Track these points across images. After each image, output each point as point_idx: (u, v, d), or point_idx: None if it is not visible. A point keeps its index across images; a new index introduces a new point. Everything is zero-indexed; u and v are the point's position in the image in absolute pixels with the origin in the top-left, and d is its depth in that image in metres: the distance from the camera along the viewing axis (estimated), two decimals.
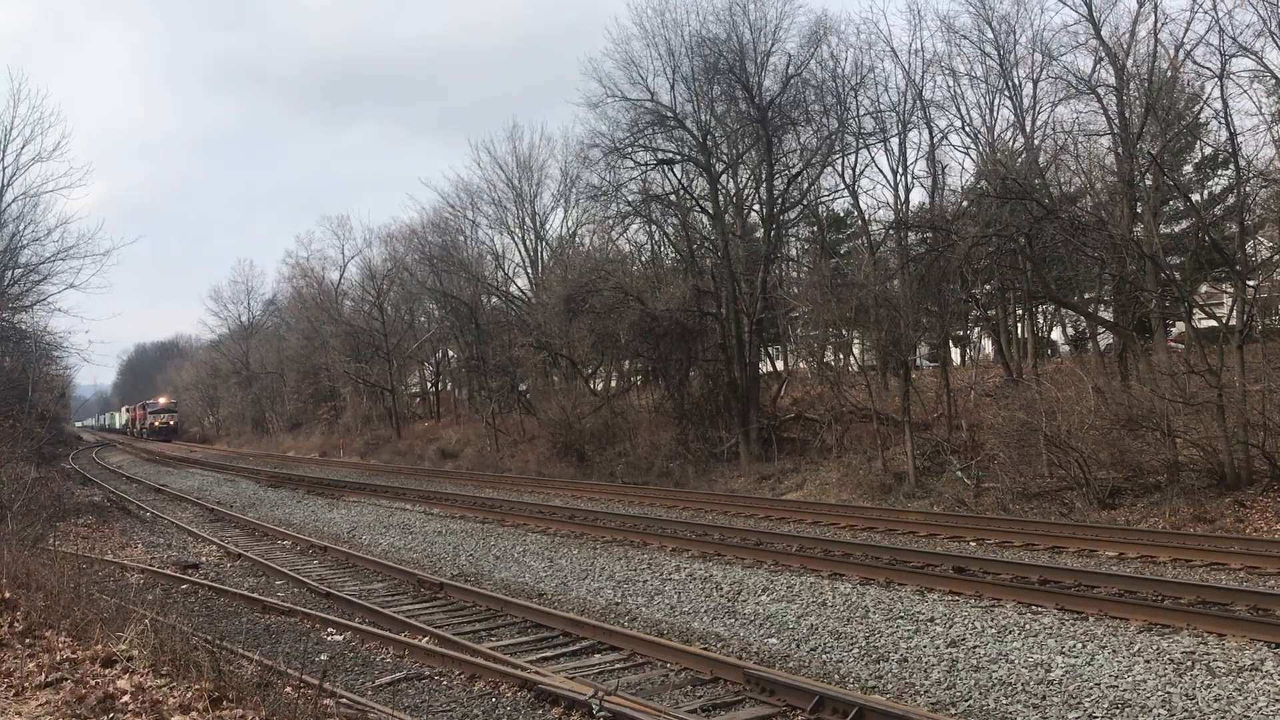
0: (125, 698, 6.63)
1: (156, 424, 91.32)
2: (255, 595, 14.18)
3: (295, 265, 71.83)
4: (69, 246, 28.49)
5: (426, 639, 11.06)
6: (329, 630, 11.98)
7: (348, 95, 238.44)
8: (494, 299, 50.50)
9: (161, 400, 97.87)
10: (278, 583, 15.66)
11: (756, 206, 34.55)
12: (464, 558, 16.99)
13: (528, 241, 50.39)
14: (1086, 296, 28.98)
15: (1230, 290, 23.22)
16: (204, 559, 18.46)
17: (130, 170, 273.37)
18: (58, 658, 7.56)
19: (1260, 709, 7.69)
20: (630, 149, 32.64)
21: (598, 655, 10.41)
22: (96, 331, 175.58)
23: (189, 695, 6.63)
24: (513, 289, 50.64)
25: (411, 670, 10.04)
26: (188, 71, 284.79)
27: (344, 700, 8.40)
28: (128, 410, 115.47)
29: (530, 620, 12.00)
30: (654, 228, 37.97)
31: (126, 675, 7.16)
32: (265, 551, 18.95)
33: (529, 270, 50.43)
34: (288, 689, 7.24)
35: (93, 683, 6.94)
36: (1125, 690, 8.28)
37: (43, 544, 14.93)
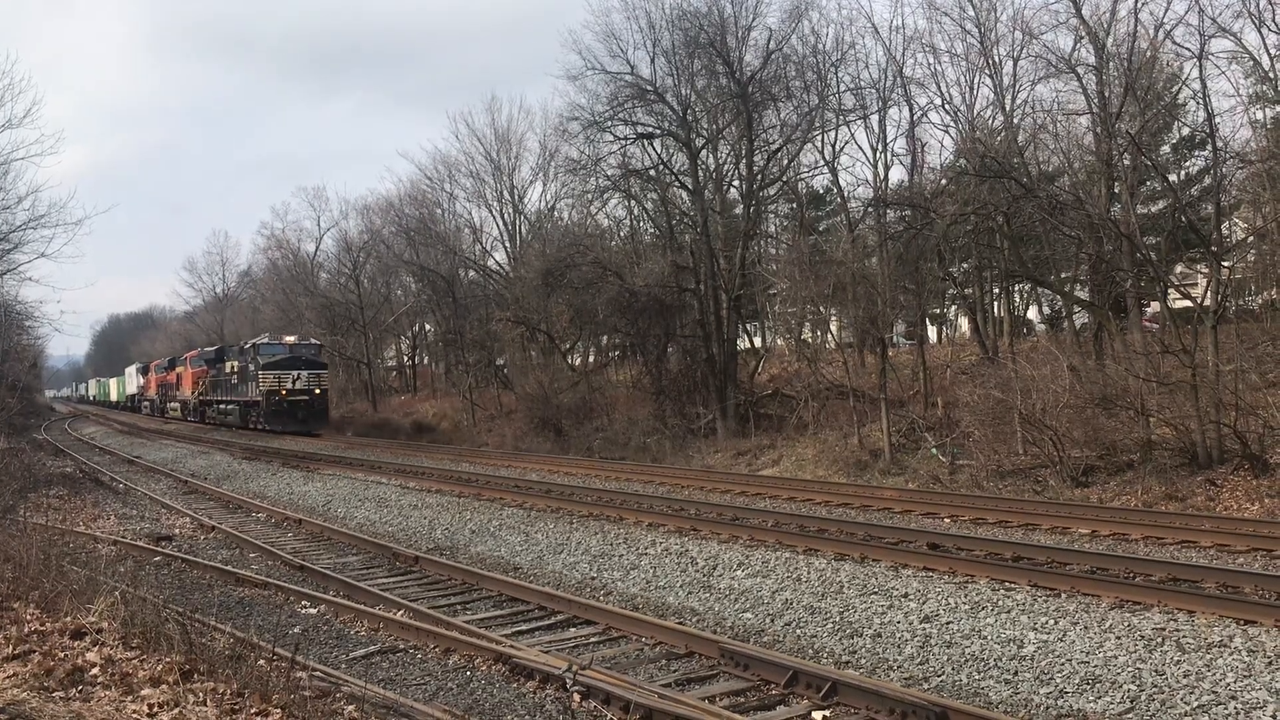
0: (94, 670, 6.57)
1: (284, 393, 41.86)
2: (229, 568, 14.08)
3: (271, 236, 70.97)
4: (40, 215, 27.87)
5: (401, 612, 11.03)
6: (303, 603, 11.91)
7: (333, 66, 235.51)
8: (471, 273, 50.28)
9: (288, 339, 45.89)
10: (251, 555, 15.56)
11: (736, 182, 34.50)
12: (440, 531, 16.94)
13: (506, 215, 50.18)
14: (1063, 275, 29.14)
15: (1205, 271, 23.38)
16: (177, 531, 18.32)
17: (113, 138, 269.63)
18: (26, 630, 7.46)
19: (1228, 685, 7.77)
20: (609, 123, 32.45)
21: (573, 629, 10.42)
22: (69, 301, 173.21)
23: (159, 668, 6.57)
24: (490, 263, 50.46)
25: (386, 644, 10.01)
26: (175, 38, 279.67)
27: (317, 673, 8.35)
28: (144, 371, 76.09)
29: (506, 594, 11.98)
30: (633, 203, 37.93)
31: (96, 647, 7.10)
32: (239, 524, 18.83)
33: (507, 244, 50.25)
34: (260, 662, 7.18)
35: (61, 655, 6.86)
36: (1096, 666, 8.35)
37: (12, 515, 14.76)
